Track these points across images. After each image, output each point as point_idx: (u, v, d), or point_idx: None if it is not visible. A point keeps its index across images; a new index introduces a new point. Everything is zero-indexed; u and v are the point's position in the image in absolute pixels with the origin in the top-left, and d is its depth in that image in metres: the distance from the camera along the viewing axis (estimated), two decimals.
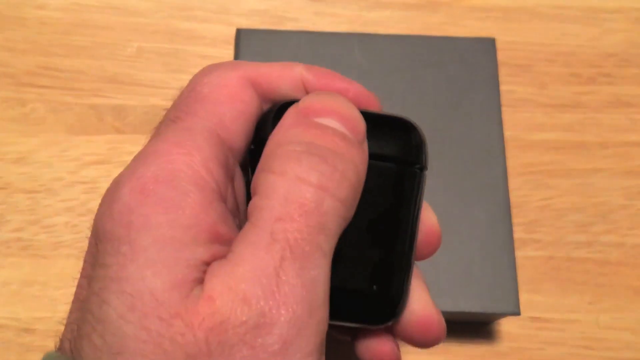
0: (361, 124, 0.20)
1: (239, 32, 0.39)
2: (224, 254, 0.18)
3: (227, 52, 0.45)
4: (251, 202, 0.19)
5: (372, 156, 0.20)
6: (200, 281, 0.17)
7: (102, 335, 0.17)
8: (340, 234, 0.19)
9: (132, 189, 0.18)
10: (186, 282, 0.17)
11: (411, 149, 0.21)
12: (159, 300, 0.17)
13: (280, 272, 0.17)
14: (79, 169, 0.41)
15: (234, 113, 0.21)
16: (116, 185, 0.18)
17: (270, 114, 0.20)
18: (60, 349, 0.18)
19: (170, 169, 0.18)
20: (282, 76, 0.22)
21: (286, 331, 0.17)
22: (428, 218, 0.22)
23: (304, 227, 0.18)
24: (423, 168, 0.21)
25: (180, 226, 0.18)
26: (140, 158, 0.19)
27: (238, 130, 0.21)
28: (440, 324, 0.22)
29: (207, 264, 0.18)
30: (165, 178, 0.18)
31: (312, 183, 0.18)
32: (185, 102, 0.21)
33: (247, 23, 0.46)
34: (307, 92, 0.22)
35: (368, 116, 0.20)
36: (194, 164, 0.18)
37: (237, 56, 0.39)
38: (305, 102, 0.20)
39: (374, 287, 0.21)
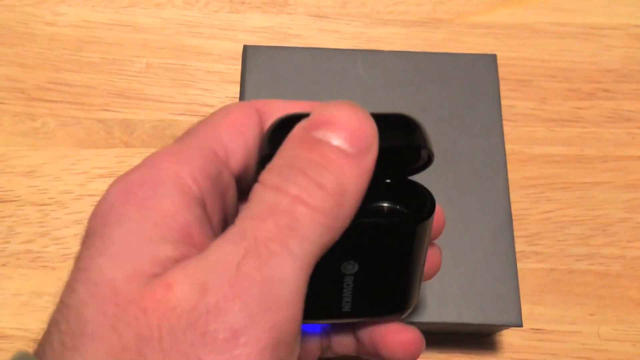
0: (364, 135, 0.20)
1: (246, 49, 0.40)
2: (195, 255, 0.19)
3: (233, 68, 0.46)
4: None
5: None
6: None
7: (68, 320, 0.18)
8: (324, 243, 0.19)
9: (118, 189, 0.20)
10: (146, 274, 0.18)
11: (414, 147, 0.21)
12: (117, 289, 0.18)
13: (242, 266, 0.18)
14: (87, 182, 0.42)
15: (233, 133, 0.22)
16: (108, 187, 0.20)
17: (269, 130, 0.21)
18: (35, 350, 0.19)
19: (157, 174, 0.20)
20: (289, 106, 0.23)
21: (237, 322, 0.17)
22: (433, 252, 0.25)
23: (272, 227, 0.18)
24: (427, 216, 0.22)
25: (151, 223, 0.19)
26: (137, 165, 0.20)
27: (237, 149, 0.22)
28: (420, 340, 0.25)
29: (176, 261, 0.18)
30: (150, 181, 0.19)
31: (288, 193, 0.18)
32: (195, 125, 0.22)
33: (252, 40, 0.47)
34: None
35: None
36: (180, 171, 0.20)
37: (244, 71, 0.39)
38: (312, 116, 0.20)
39: (389, 306, 0.24)
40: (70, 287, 0.19)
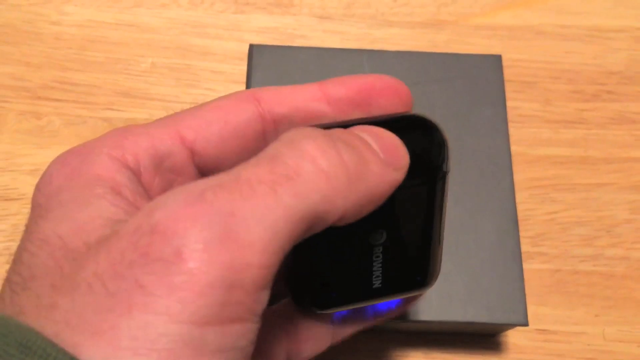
0: (398, 155, 0.19)
1: (252, 48, 0.40)
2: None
3: (238, 68, 0.46)
4: None
5: None
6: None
7: (19, 273, 0.18)
8: (318, 211, 0.17)
9: (57, 161, 0.20)
10: (90, 229, 0.18)
11: (433, 152, 0.21)
12: (64, 239, 0.17)
13: (208, 193, 0.16)
14: None
15: (213, 117, 0.21)
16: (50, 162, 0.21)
17: None
18: None
19: (92, 145, 0.20)
20: (295, 91, 0.22)
21: (186, 246, 0.15)
22: None
23: (266, 172, 0.16)
24: (446, 174, 0.21)
25: (81, 186, 0.19)
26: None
27: (211, 133, 0.21)
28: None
29: (116, 219, 0.18)
30: (83, 152, 0.20)
31: (301, 149, 0.17)
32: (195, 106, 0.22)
33: (257, 40, 0.47)
34: (329, 102, 0.22)
35: (387, 120, 0.21)
36: (119, 143, 0.20)
37: (250, 71, 0.40)
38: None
39: (417, 277, 0.23)
40: (20, 248, 0.18)
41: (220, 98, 0.22)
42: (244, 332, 0.16)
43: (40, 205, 0.19)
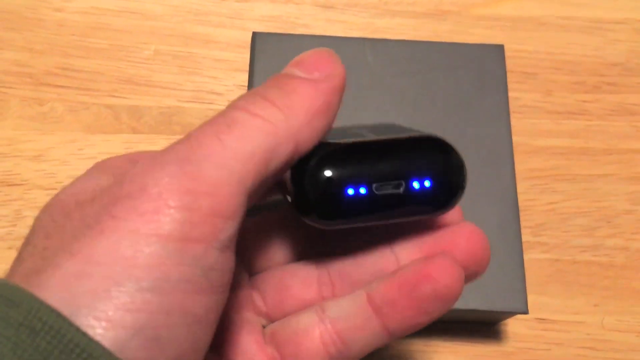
0: (322, 66, 0.21)
1: (255, 35, 0.40)
2: None
3: (240, 56, 0.46)
4: None
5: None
6: None
7: (27, 235, 0.20)
8: (269, 146, 0.19)
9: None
10: (86, 192, 0.20)
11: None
12: (63, 201, 0.20)
13: (166, 151, 0.19)
14: None
15: None
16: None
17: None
18: None
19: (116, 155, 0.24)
20: None
21: (151, 181, 0.18)
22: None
23: (209, 126, 0.19)
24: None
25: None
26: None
27: None
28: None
29: None
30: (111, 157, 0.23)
31: (237, 106, 0.20)
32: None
33: (260, 28, 0.47)
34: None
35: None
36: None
37: (252, 58, 0.40)
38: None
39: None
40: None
41: None
42: (205, 253, 0.18)
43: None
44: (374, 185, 0.21)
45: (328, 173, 0.21)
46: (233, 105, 0.20)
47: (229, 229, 0.18)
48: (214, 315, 0.19)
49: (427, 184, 0.22)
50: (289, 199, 0.22)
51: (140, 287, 0.16)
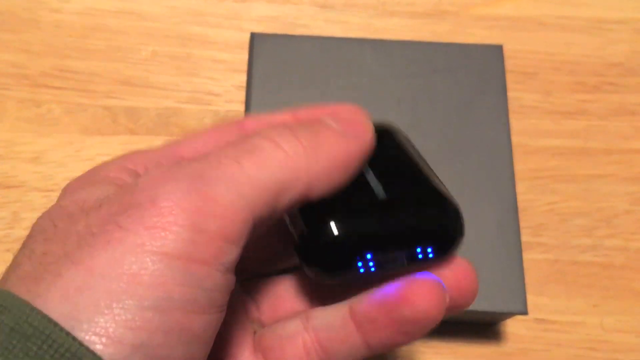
0: (357, 126, 0.22)
1: (253, 36, 0.40)
2: None
3: (238, 57, 0.46)
4: None
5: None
6: None
7: (24, 240, 0.20)
8: (283, 180, 0.19)
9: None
10: (90, 200, 0.20)
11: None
12: (65, 208, 0.20)
13: (184, 162, 0.19)
14: None
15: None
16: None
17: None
18: None
19: (111, 161, 0.23)
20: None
21: (161, 195, 0.17)
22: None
23: (232, 149, 0.19)
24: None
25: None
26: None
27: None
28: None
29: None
30: (102, 165, 0.23)
31: (264, 135, 0.20)
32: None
33: (258, 29, 0.47)
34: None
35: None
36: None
37: (251, 59, 0.39)
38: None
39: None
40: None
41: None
42: (208, 275, 0.18)
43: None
44: (379, 253, 0.21)
45: (342, 238, 0.21)
46: (260, 133, 0.20)
47: (232, 253, 0.18)
48: (212, 333, 0.19)
49: (428, 250, 0.22)
50: (295, 237, 0.22)
51: (142, 305, 0.16)
